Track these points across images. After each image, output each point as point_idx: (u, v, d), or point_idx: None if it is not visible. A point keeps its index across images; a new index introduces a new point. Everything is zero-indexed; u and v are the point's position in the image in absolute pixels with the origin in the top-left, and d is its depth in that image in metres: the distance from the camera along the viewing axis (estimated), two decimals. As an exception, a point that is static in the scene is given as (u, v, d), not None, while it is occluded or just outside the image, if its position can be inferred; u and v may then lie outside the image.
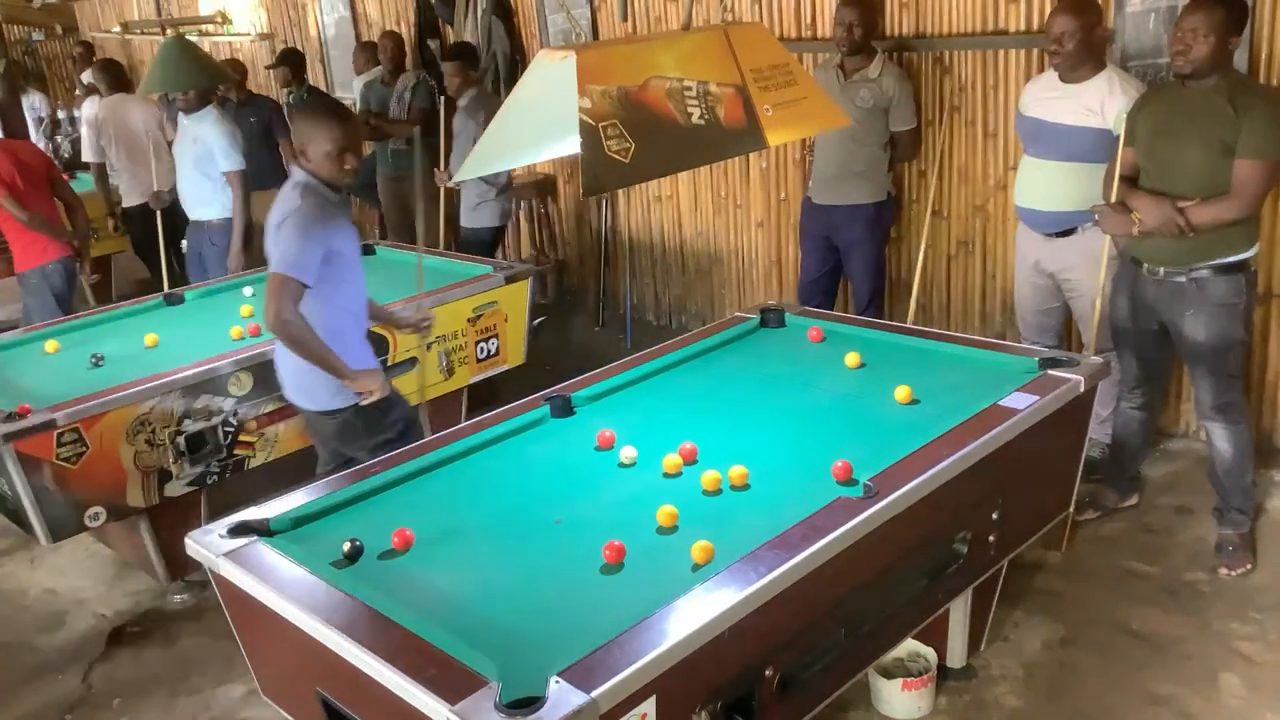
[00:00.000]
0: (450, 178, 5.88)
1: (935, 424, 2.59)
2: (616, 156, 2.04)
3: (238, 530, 2.34)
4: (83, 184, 7.44)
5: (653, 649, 1.81)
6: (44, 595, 3.87)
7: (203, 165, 5.52)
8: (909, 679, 2.80)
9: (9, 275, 5.66)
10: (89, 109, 7.21)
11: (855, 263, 4.65)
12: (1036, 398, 2.70)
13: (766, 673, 2.09)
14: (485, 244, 5.85)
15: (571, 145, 2.02)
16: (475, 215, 5.81)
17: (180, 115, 5.51)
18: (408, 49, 6.94)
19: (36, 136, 10.02)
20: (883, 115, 4.40)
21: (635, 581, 2.12)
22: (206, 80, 5.81)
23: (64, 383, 3.66)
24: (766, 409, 2.92)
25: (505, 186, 5.84)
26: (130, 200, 6.49)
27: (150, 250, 6.09)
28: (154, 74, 5.95)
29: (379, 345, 4.07)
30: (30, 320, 5.11)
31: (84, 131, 5.88)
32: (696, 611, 1.91)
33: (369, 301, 3.29)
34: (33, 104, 10.33)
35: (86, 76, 10.87)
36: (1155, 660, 3.00)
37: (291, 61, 7.14)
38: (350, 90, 7.60)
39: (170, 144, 6.15)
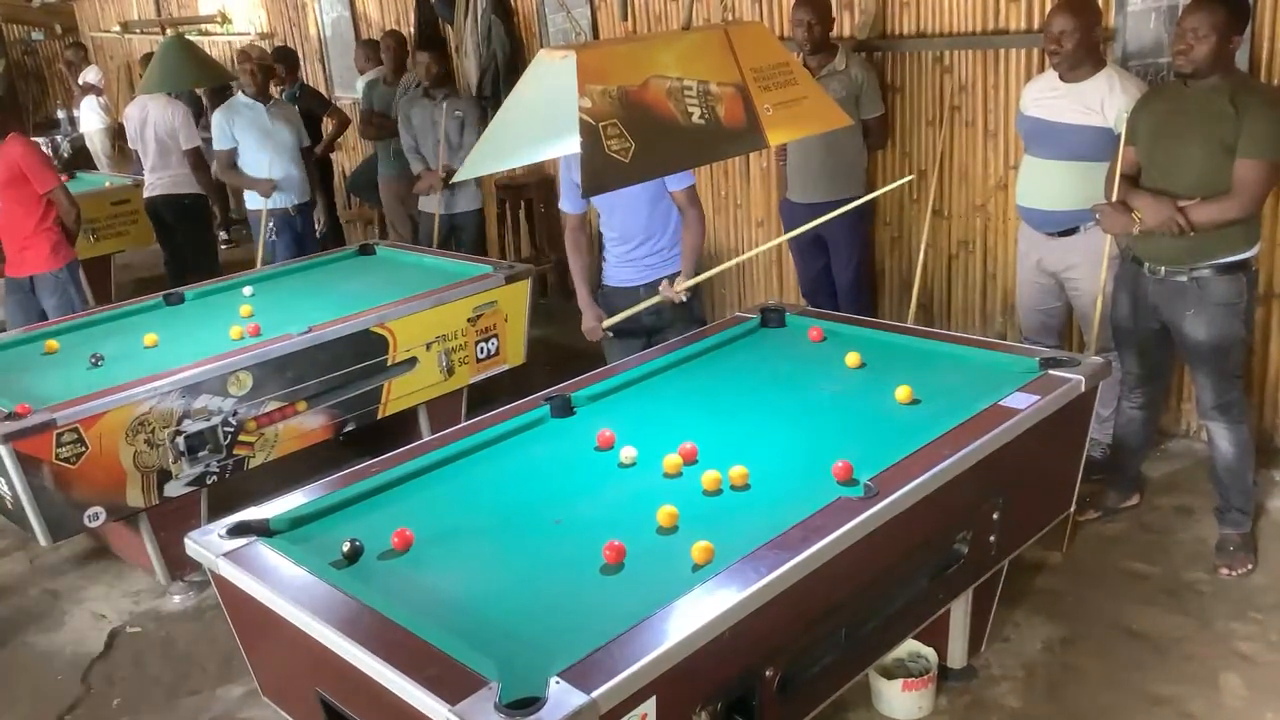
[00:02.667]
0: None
1: (936, 424, 2.59)
2: (616, 156, 2.03)
3: (237, 530, 2.33)
4: (81, 184, 7.46)
5: (653, 649, 1.81)
6: (43, 595, 3.86)
7: (298, 147, 5.61)
8: (909, 679, 2.80)
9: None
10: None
11: (839, 258, 4.68)
12: (1037, 398, 2.69)
13: (767, 673, 2.09)
14: (478, 227, 5.99)
15: (571, 145, 2.02)
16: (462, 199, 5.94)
17: (260, 105, 5.62)
18: (409, 49, 6.94)
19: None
20: (854, 105, 4.44)
21: (635, 582, 2.11)
22: (207, 79, 5.81)
23: (63, 383, 3.66)
24: (767, 409, 2.92)
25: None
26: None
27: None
28: (154, 73, 5.96)
29: (379, 346, 4.08)
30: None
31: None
32: (696, 612, 1.91)
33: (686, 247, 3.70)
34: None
35: (85, 76, 10.91)
36: (1156, 660, 3.00)
37: (285, 60, 7.14)
38: (349, 90, 7.62)
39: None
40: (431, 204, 5.89)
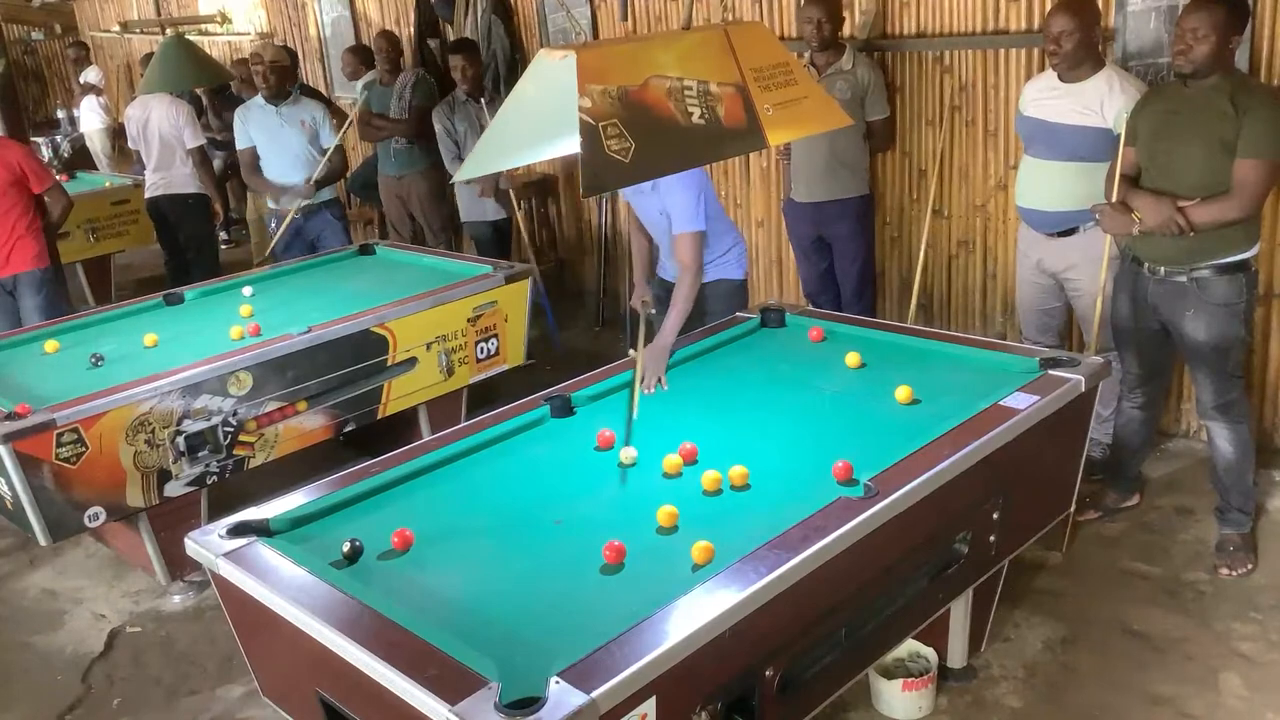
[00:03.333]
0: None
1: (936, 424, 2.59)
2: (616, 156, 2.03)
3: (237, 530, 2.33)
4: (81, 184, 7.46)
5: (653, 649, 1.81)
6: (43, 595, 3.86)
7: (314, 147, 5.59)
8: (910, 679, 2.80)
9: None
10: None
11: (844, 257, 4.69)
12: (1037, 398, 2.69)
13: (767, 673, 2.09)
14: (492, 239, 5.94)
15: (571, 145, 2.02)
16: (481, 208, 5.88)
17: (270, 107, 5.58)
18: (406, 48, 6.94)
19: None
20: (859, 106, 4.44)
21: (635, 582, 2.11)
22: (207, 79, 5.78)
23: (63, 383, 3.65)
24: (767, 409, 2.92)
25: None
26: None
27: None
28: (154, 73, 5.95)
29: (379, 346, 4.08)
30: (43, 318, 4.88)
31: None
32: (697, 612, 1.91)
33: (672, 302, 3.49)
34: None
35: (85, 76, 10.91)
36: (1155, 660, 3.00)
37: None
38: (349, 90, 7.61)
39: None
40: (484, 211, 5.86)
